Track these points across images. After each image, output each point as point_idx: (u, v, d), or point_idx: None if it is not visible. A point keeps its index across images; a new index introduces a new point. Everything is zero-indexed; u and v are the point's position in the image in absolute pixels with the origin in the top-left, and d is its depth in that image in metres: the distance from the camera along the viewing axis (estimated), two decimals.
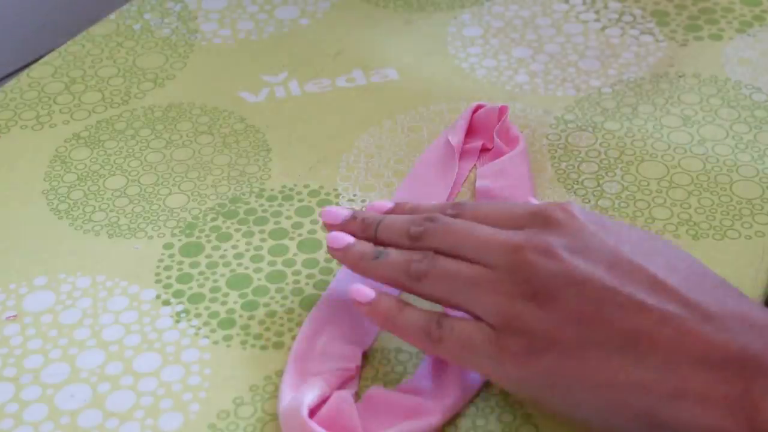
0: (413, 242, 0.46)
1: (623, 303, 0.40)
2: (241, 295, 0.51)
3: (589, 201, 0.55)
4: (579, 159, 0.58)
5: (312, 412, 0.43)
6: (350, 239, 0.48)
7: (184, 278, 0.52)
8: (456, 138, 0.58)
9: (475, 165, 0.58)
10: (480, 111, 0.60)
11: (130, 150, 0.60)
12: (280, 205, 0.56)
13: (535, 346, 0.41)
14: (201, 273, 0.52)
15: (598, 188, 0.56)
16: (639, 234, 0.44)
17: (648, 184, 0.56)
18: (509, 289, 0.42)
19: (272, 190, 0.57)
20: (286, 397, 0.44)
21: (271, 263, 0.52)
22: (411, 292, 0.46)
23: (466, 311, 0.44)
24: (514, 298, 0.41)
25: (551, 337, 0.41)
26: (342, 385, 0.45)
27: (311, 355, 0.47)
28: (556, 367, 0.41)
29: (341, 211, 0.50)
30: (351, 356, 0.46)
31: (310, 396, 0.43)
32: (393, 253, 0.46)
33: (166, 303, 0.50)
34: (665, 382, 0.39)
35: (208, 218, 0.55)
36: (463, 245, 0.44)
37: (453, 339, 0.43)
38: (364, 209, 0.53)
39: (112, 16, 0.72)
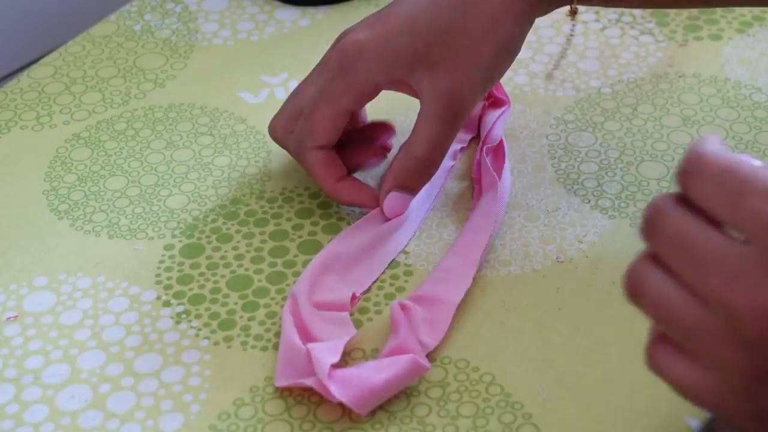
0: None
1: None
2: (242, 296, 0.51)
3: (589, 201, 0.55)
4: (579, 159, 0.58)
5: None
6: None
7: (185, 279, 0.52)
8: None
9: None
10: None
11: (131, 150, 0.60)
12: (280, 206, 0.56)
13: None
14: (201, 274, 0.52)
15: (598, 188, 0.56)
16: None
17: (648, 184, 0.56)
18: (748, 366, 0.33)
19: (272, 191, 0.57)
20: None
21: (272, 264, 0.52)
22: None
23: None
24: (752, 380, 0.34)
25: None
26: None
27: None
28: None
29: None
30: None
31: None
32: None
33: (167, 304, 0.50)
34: None
35: (209, 219, 0.55)
36: (695, 277, 0.34)
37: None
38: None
39: (112, 17, 0.72)
